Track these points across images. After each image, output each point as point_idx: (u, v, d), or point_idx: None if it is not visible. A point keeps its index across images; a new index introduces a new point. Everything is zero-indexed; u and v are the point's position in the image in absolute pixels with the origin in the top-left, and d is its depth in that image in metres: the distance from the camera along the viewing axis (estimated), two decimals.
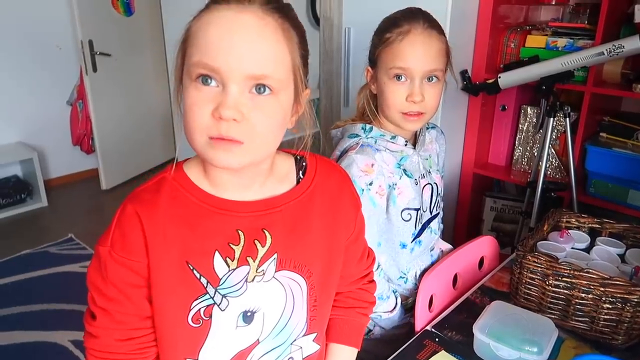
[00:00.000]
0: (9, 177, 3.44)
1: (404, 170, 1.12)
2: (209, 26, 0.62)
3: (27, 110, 3.52)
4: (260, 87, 0.62)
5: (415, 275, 1.21)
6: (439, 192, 1.21)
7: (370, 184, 1.06)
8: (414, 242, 1.17)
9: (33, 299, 2.36)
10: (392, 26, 1.05)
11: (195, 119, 0.62)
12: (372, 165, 1.06)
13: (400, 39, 1.03)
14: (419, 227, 1.17)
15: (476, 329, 0.95)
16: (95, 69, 3.37)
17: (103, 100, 3.50)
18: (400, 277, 1.19)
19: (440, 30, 1.07)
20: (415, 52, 1.03)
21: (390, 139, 1.12)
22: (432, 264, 1.23)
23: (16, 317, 2.24)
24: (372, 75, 1.12)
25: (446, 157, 1.32)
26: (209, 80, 0.61)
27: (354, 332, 0.92)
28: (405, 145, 1.13)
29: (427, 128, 1.23)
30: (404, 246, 1.16)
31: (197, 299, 0.69)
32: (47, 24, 3.49)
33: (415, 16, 1.05)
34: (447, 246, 1.31)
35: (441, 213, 1.29)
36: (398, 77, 1.05)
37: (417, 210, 1.14)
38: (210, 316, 0.70)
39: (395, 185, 1.10)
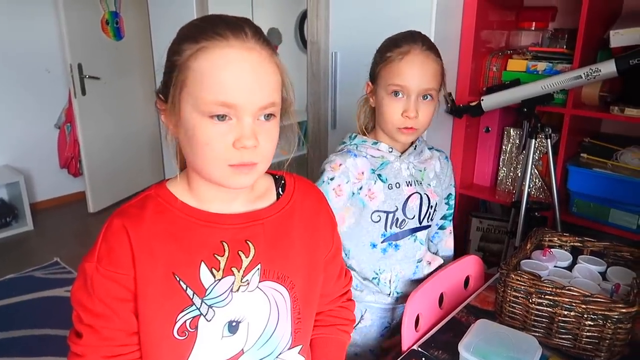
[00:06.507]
0: None
1: (379, 175, 1.18)
2: (215, 65, 0.65)
3: (14, 133, 3.51)
4: (267, 115, 0.69)
5: (391, 280, 1.23)
6: (432, 205, 1.24)
7: (332, 179, 1.17)
8: (386, 243, 1.21)
9: (17, 324, 2.32)
10: (393, 46, 1.13)
11: (215, 152, 0.67)
12: (340, 165, 1.17)
13: (400, 58, 1.11)
14: (393, 229, 1.20)
15: (461, 347, 0.96)
16: (84, 92, 3.38)
17: (91, 123, 3.50)
18: (373, 277, 1.23)
19: (437, 53, 1.15)
20: (412, 71, 1.10)
21: (372, 144, 1.19)
22: (421, 279, 1.24)
23: None
24: (372, 89, 1.19)
25: (445, 182, 1.33)
26: (225, 117, 0.66)
27: (336, 349, 0.94)
28: (390, 152, 1.19)
29: (430, 148, 1.29)
30: (374, 246, 1.21)
31: (183, 311, 0.71)
32: (37, 48, 3.51)
33: (415, 39, 1.13)
34: (435, 259, 1.33)
35: (435, 228, 1.35)
36: (395, 93, 1.12)
37: (389, 213, 1.19)
38: (196, 327, 0.72)
39: (369, 190, 1.17)
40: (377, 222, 1.19)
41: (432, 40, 1.74)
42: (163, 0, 2.71)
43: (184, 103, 0.67)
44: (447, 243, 1.41)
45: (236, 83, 0.65)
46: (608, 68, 1.53)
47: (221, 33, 0.65)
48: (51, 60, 3.59)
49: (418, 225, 1.23)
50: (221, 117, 0.65)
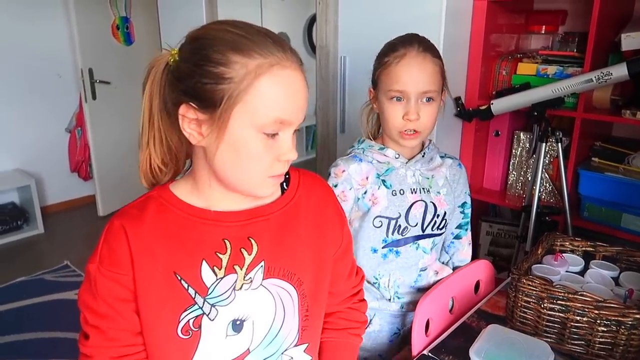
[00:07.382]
0: (6, 204, 3.44)
1: (383, 180, 1.18)
2: (276, 84, 0.66)
3: (25, 138, 3.55)
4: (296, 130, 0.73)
5: (389, 284, 1.22)
6: (439, 213, 1.22)
7: (335, 186, 1.18)
8: (386, 248, 1.20)
9: (27, 327, 2.34)
10: (390, 50, 1.13)
11: (263, 165, 0.69)
12: (343, 172, 1.18)
13: (397, 61, 1.10)
14: (395, 235, 1.19)
15: (472, 352, 0.96)
16: (94, 97, 3.41)
17: (102, 127, 3.53)
18: (373, 282, 1.23)
19: (434, 53, 1.13)
20: (410, 74, 1.10)
21: (379, 149, 1.19)
22: (425, 286, 1.24)
23: (10, 346, 2.21)
24: (374, 95, 1.19)
25: (457, 190, 1.29)
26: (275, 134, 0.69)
27: (347, 354, 0.93)
28: (397, 158, 1.18)
29: (442, 156, 1.27)
30: (374, 251, 1.20)
31: (185, 310, 0.71)
32: (48, 53, 3.55)
33: (411, 41, 1.12)
34: (444, 270, 1.30)
35: (450, 237, 1.31)
36: (395, 97, 1.12)
37: (391, 219, 1.18)
38: (200, 327, 0.72)
39: (373, 194, 1.17)
40: (379, 227, 1.18)
41: (442, 44, 1.78)
42: (173, 4, 2.73)
43: (234, 116, 0.66)
44: (462, 253, 1.34)
45: (293, 102, 0.68)
46: (619, 71, 1.52)
47: (273, 51, 0.66)
48: (62, 65, 3.62)
49: (421, 233, 1.21)
50: (272, 134, 0.68)
